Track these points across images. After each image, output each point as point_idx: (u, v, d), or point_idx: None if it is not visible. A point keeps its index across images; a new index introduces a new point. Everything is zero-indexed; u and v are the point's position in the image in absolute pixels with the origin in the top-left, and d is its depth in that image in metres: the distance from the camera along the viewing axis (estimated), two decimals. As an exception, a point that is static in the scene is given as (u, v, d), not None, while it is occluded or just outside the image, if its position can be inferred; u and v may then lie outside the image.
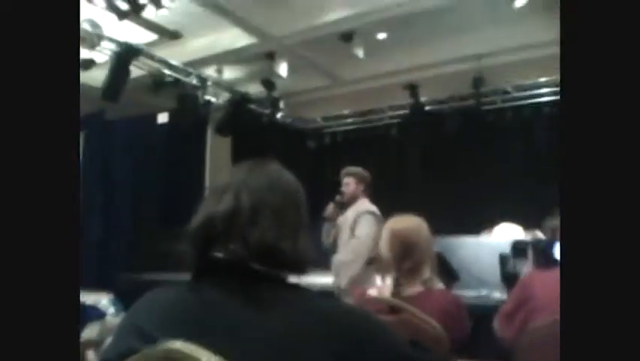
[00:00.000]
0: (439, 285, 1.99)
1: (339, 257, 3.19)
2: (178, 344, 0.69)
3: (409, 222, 1.87)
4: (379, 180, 7.85)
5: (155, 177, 8.29)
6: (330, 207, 3.39)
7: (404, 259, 1.80)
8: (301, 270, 0.88)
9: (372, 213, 3.16)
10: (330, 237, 3.36)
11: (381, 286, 1.83)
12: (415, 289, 1.80)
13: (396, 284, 1.78)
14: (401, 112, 7.07)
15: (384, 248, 1.84)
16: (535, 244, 2.97)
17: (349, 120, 7.72)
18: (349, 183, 3.32)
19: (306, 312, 0.78)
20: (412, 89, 6.40)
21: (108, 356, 0.81)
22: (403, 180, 7.26)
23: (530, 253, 2.92)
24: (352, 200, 3.28)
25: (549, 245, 2.42)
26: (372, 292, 1.84)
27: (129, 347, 0.77)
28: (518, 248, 3.46)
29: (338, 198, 3.36)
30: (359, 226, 3.13)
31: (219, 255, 0.84)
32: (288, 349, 0.72)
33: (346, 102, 7.44)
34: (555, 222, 2.41)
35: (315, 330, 0.75)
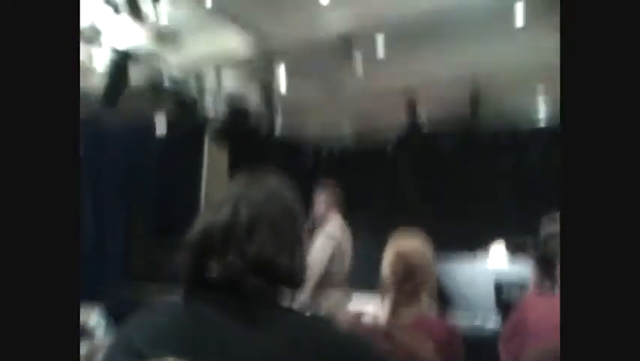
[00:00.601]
0: (434, 309, 1.95)
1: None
2: (169, 360, 0.70)
3: (414, 243, 1.84)
4: (376, 196, 7.94)
5: (149, 185, 8.26)
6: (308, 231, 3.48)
7: (406, 281, 1.77)
8: (297, 285, 0.87)
9: (327, 235, 3.15)
10: None
11: (375, 312, 1.79)
12: (412, 312, 1.76)
13: (395, 306, 1.73)
14: (399, 130, 7.08)
15: (386, 269, 1.80)
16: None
17: (347, 135, 7.73)
18: (320, 203, 3.33)
19: (298, 334, 0.77)
20: (411, 107, 6.42)
21: None
22: (398, 197, 7.25)
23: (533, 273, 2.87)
24: (323, 221, 3.32)
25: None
26: (367, 317, 1.80)
27: None
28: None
29: (312, 219, 3.49)
30: (313, 246, 3.16)
31: (214, 273, 0.83)
32: None
33: (344, 117, 7.46)
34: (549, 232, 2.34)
35: (307, 352, 0.74)
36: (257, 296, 0.81)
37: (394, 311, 1.76)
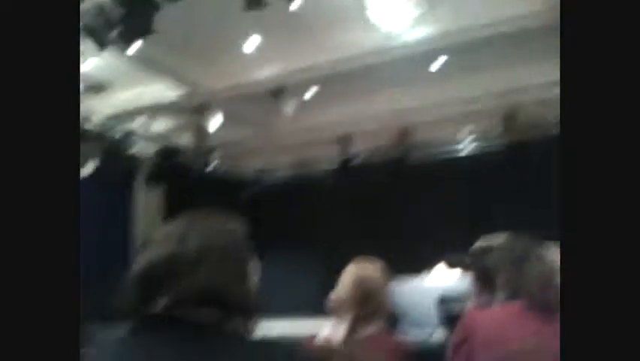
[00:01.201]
0: (387, 328, 2.02)
1: None
2: None
3: (372, 269, 1.89)
4: (314, 228, 8.00)
5: (81, 232, 7.88)
6: None
7: (364, 304, 1.81)
8: (250, 313, 0.84)
9: None
10: None
11: (330, 332, 1.82)
12: (367, 331, 1.81)
13: (351, 326, 1.77)
14: (333, 163, 7.21)
15: (343, 291, 1.84)
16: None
17: (282, 171, 7.77)
18: None
19: None
20: (344, 142, 6.58)
21: None
22: (338, 227, 7.35)
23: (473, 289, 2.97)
24: None
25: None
26: (321, 338, 1.82)
27: None
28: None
29: None
30: None
31: (160, 307, 0.78)
32: None
33: (279, 154, 7.51)
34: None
35: None
36: (208, 328, 0.78)
37: (350, 332, 1.80)
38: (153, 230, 6.96)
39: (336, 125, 6.19)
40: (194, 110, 5.73)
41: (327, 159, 7.21)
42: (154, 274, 0.82)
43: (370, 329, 1.83)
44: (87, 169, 7.21)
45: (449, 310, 3.60)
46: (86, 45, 3.37)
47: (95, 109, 5.45)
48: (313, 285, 7.13)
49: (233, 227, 0.93)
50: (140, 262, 0.85)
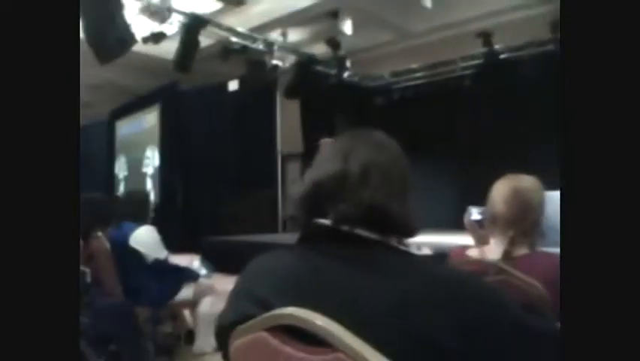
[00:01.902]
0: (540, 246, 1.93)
1: None
2: (295, 310, 0.71)
3: (530, 182, 1.81)
4: (452, 134, 7.72)
5: (228, 142, 8.58)
6: None
7: (522, 218, 1.75)
8: (410, 234, 0.86)
9: None
10: None
11: (482, 246, 1.79)
12: (523, 248, 1.76)
13: (510, 243, 1.73)
14: (474, 62, 6.74)
15: (501, 206, 1.78)
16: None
17: (419, 75, 7.48)
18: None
19: (421, 278, 0.77)
20: (486, 37, 6.06)
21: (223, 321, 0.84)
22: (477, 133, 7.00)
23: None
24: None
25: None
26: (472, 252, 1.80)
27: (244, 312, 0.79)
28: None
29: None
30: None
31: (326, 221, 0.83)
32: (406, 316, 0.71)
33: (415, 56, 7.20)
34: None
35: (433, 297, 0.73)
36: (371, 243, 0.81)
37: (507, 248, 1.76)
38: (293, 137, 7.27)
39: (477, 19, 5.69)
40: (328, 15, 5.64)
41: (467, 57, 6.76)
42: (320, 191, 0.85)
43: (525, 248, 1.74)
44: (233, 84, 7.69)
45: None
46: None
47: (234, 24, 5.63)
48: (450, 199, 7.02)
49: (393, 145, 0.93)
50: (306, 181, 0.89)
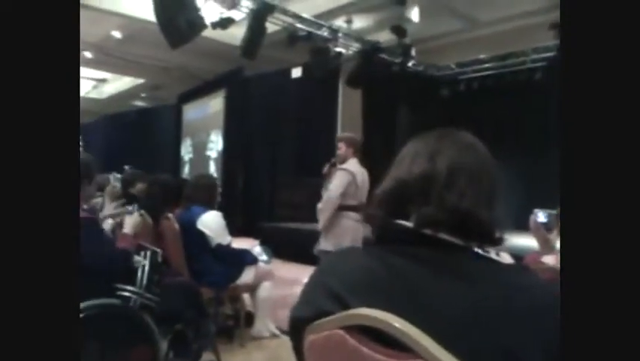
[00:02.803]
0: None
1: (318, 205, 3.71)
2: (374, 312, 0.71)
3: None
4: (520, 128, 7.42)
5: (290, 129, 8.67)
6: (327, 167, 3.87)
7: None
8: (495, 242, 0.82)
9: (344, 169, 3.64)
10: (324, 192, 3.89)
11: (555, 254, 1.71)
12: None
13: None
14: (546, 55, 6.43)
15: None
16: None
17: (486, 65, 7.22)
18: (341, 147, 3.74)
19: (504, 287, 0.74)
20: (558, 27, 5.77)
21: (299, 314, 0.85)
22: (546, 130, 6.69)
23: None
24: (343, 161, 3.69)
25: None
26: (549, 260, 1.72)
27: (320, 307, 0.80)
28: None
29: (333, 159, 3.81)
30: (332, 180, 3.63)
31: (407, 223, 0.81)
32: (487, 325, 0.69)
33: (483, 46, 6.96)
34: None
35: (520, 309, 0.71)
36: (453, 247, 0.79)
37: None
38: (353, 126, 7.23)
39: (550, 9, 5.40)
40: (395, 2, 5.54)
41: (540, 49, 6.45)
42: (404, 191, 0.83)
43: None
44: (296, 71, 7.74)
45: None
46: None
47: (300, 10, 5.64)
48: (514, 198, 6.72)
49: (480, 147, 0.89)
50: (389, 179, 0.87)
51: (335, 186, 3.57)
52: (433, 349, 0.66)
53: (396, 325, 0.69)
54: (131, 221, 2.16)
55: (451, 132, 0.91)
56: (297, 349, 0.86)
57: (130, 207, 2.20)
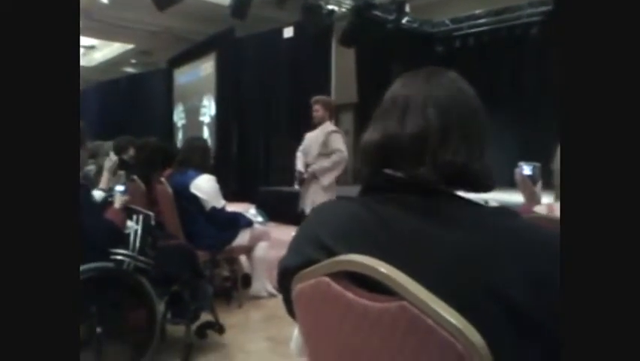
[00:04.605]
0: None
1: (321, 164, 3.90)
2: (359, 257, 0.70)
3: None
4: (515, 84, 7.35)
5: (282, 91, 8.56)
6: (297, 182, 4.14)
7: None
8: (485, 189, 0.81)
9: (338, 132, 3.96)
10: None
11: (551, 203, 1.71)
12: None
13: None
14: (542, 9, 6.29)
15: None
16: None
17: (482, 21, 7.08)
18: (318, 109, 3.96)
19: (492, 229, 0.74)
20: (558, -22, 5.63)
21: (287, 264, 0.84)
22: (543, 86, 6.62)
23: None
24: (320, 123, 3.96)
25: None
26: (541, 209, 1.72)
27: (308, 256, 0.79)
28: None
29: (303, 174, 4.02)
30: (333, 143, 3.85)
31: (398, 174, 0.79)
32: (476, 266, 0.69)
33: (478, 1, 6.81)
34: None
35: (504, 248, 0.70)
36: (443, 195, 0.78)
37: None
38: (347, 86, 7.14)
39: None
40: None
41: (536, 3, 6.31)
42: (394, 148, 0.81)
43: None
44: (288, 31, 7.59)
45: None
46: None
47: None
48: (510, 154, 6.69)
49: (469, 91, 0.85)
50: (376, 132, 0.83)
51: (343, 146, 3.85)
52: (418, 291, 0.65)
53: (382, 270, 0.68)
54: (121, 197, 2.13)
55: (439, 72, 0.87)
56: (287, 300, 0.86)
57: (121, 187, 2.17)
